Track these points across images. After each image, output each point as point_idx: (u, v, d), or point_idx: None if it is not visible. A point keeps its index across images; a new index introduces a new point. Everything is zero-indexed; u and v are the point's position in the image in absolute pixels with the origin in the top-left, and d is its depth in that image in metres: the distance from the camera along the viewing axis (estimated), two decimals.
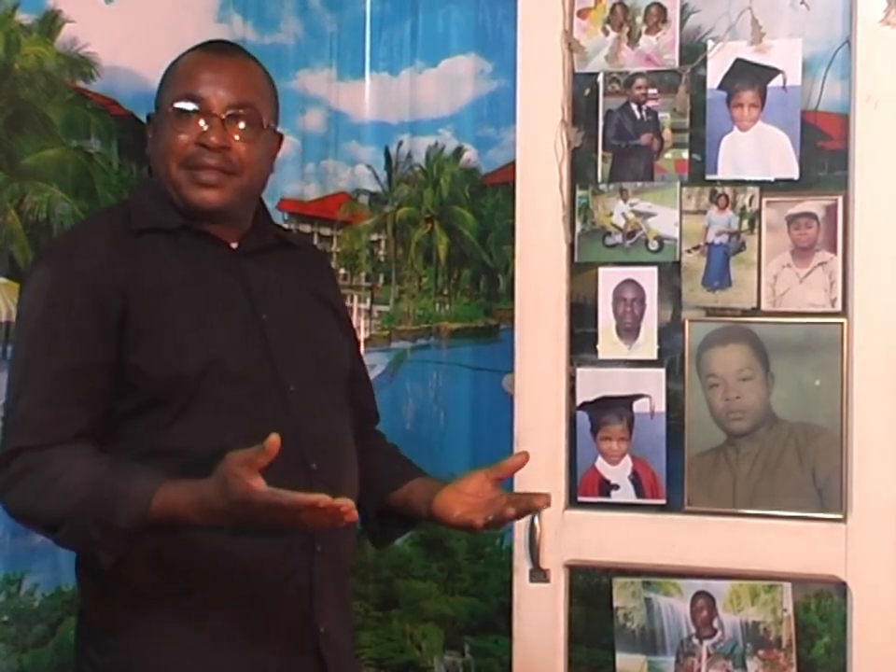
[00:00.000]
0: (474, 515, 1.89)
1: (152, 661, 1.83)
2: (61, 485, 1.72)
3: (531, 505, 1.91)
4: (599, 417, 2.48)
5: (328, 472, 1.91)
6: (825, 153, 2.39)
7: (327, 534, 1.90)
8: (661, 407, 2.45)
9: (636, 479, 2.47)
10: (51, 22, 2.29)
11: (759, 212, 2.40)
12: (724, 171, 2.42)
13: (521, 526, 2.43)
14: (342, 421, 2.02)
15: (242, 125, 1.89)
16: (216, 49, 1.95)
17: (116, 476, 1.73)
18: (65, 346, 1.79)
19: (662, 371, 2.46)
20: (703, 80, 2.43)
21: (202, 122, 1.87)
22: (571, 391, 2.48)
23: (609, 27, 2.47)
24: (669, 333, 2.46)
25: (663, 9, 2.44)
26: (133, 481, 1.72)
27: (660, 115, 2.45)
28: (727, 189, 2.42)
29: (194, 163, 1.87)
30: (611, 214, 2.48)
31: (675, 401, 2.45)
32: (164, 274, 1.85)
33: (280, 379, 1.89)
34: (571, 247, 2.48)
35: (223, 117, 1.87)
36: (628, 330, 2.46)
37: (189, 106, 1.87)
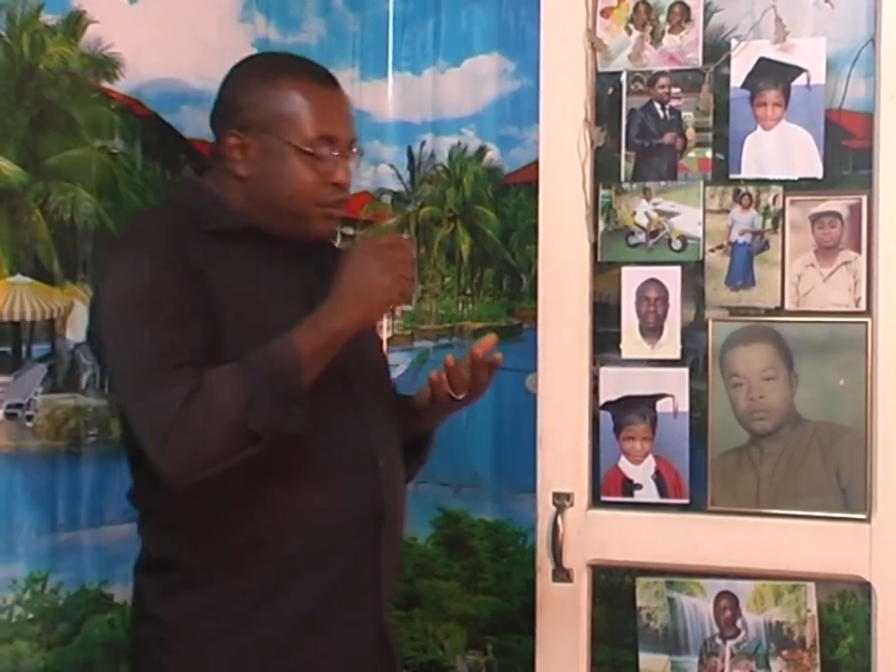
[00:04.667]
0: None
1: (231, 657, 1.85)
2: (228, 383, 1.72)
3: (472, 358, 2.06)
4: (622, 417, 2.47)
5: (389, 470, 1.98)
6: (849, 152, 2.38)
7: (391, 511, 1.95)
8: (684, 406, 2.44)
9: (659, 478, 2.46)
10: (76, 23, 2.30)
11: (782, 211, 2.39)
12: (748, 170, 2.41)
13: (544, 526, 2.43)
14: (393, 418, 2.07)
15: (352, 159, 1.96)
16: (332, 82, 1.98)
17: (249, 355, 1.75)
18: (189, 321, 1.78)
19: (685, 370, 2.45)
20: (726, 79, 2.42)
21: (332, 161, 1.92)
22: (594, 391, 2.48)
23: (632, 26, 2.46)
24: (692, 333, 2.46)
25: (686, 8, 2.44)
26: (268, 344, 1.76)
27: (683, 114, 2.45)
28: (751, 189, 2.41)
29: (330, 202, 1.93)
30: (634, 213, 2.47)
31: (698, 401, 2.44)
32: (236, 275, 1.86)
33: (347, 379, 1.91)
34: (594, 247, 2.47)
35: (348, 154, 1.94)
36: (651, 330, 2.46)
37: (328, 149, 1.91)
